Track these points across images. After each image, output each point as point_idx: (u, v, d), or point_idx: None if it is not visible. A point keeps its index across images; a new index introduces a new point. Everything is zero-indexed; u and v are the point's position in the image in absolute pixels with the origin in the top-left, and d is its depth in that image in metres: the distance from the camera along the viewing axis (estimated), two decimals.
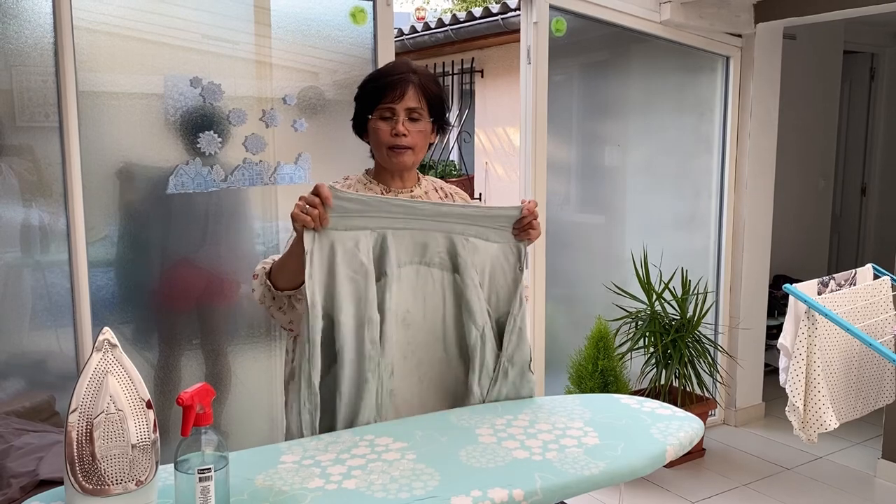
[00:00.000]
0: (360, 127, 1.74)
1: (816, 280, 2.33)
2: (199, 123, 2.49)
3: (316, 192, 1.47)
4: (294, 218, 1.47)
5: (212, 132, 2.50)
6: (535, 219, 1.62)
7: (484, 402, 1.63)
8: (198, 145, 2.48)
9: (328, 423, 1.54)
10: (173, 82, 2.46)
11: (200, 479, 1.07)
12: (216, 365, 2.68)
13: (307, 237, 1.48)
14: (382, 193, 1.73)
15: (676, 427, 1.53)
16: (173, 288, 2.59)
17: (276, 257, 1.67)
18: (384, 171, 1.75)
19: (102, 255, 2.42)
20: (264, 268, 1.67)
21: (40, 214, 2.31)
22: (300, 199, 1.48)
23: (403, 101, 1.65)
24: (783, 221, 4.49)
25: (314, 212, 1.46)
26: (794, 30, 4.33)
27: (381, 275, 1.55)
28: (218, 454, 1.11)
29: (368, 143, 1.76)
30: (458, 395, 1.65)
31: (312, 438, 1.46)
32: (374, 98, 1.67)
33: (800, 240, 5.02)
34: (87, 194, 2.33)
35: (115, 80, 2.39)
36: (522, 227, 1.62)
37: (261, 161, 2.59)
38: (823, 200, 5.26)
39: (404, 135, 1.65)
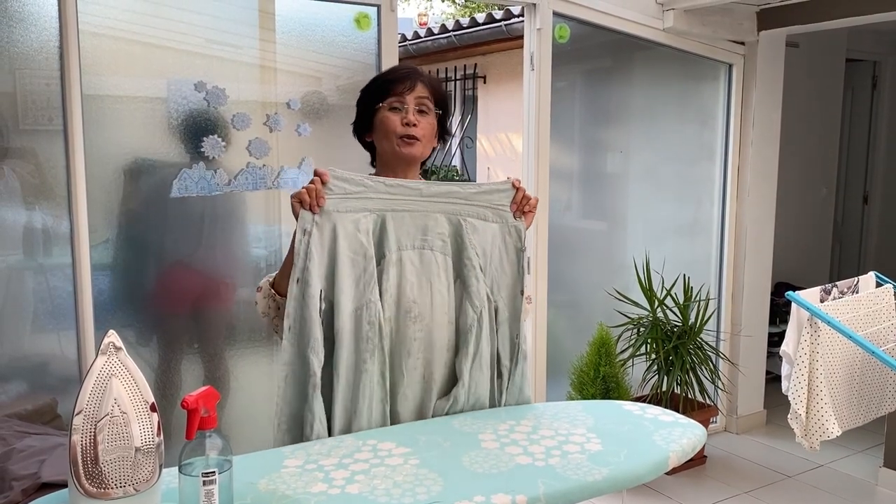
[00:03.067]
0: (364, 125, 1.70)
1: (819, 287, 2.33)
2: (202, 127, 2.49)
3: (315, 173, 1.51)
4: (292, 197, 1.50)
5: (215, 136, 2.50)
6: (525, 192, 1.64)
7: (469, 392, 1.60)
8: (201, 149, 2.49)
9: (327, 411, 1.52)
10: (177, 86, 2.47)
11: (204, 483, 1.07)
12: (219, 368, 2.68)
13: (305, 217, 1.50)
14: None
15: (679, 434, 1.53)
16: (175, 291, 2.59)
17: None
18: (387, 173, 1.69)
19: (105, 259, 2.42)
20: (269, 280, 1.67)
21: (43, 217, 2.31)
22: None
23: (414, 91, 1.64)
24: (785, 229, 4.49)
25: (311, 187, 1.49)
26: (796, 38, 4.34)
27: (380, 258, 1.55)
28: (222, 458, 1.10)
29: (368, 145, 1.72)
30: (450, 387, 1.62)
31: (315, 443, 1.46)
32: (382, 92, 1.65)
33: (801, 247, 5.02)
34: (91, 198, 2.33)
35: (119, 84, 2.40)
36: (519, 205, 1.63)
37: (264, 165, 2.60)
38: (825, 208, 5.27)
39: (415, 125, 1.63)
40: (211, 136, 2.49)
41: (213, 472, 1.07)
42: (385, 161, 1.69)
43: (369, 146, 1.74)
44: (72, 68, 2.25)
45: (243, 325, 2.70)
